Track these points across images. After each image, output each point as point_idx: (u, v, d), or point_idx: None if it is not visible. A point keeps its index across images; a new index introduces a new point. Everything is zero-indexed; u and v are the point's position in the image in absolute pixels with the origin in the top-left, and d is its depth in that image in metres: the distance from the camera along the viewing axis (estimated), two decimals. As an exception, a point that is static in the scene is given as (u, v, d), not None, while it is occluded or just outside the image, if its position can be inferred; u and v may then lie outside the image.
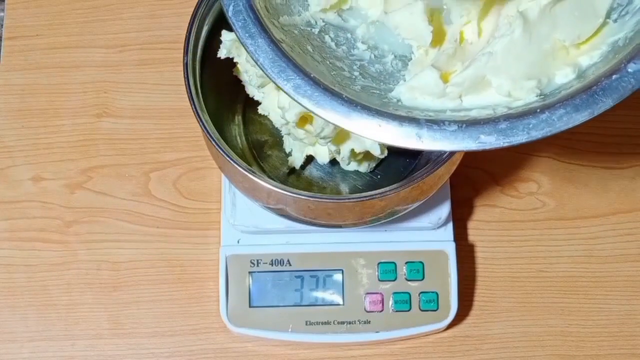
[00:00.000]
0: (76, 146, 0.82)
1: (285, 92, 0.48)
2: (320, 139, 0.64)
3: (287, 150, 0.73)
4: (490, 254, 0.79)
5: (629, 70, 0.47)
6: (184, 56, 0.63)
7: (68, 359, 0.76)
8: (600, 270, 0.79)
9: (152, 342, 0.77)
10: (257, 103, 0.68)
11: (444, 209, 0.74)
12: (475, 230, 0.80)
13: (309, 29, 0.55)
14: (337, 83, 0.50)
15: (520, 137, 0.46)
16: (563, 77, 0.50)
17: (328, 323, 0.73)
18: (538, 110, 0.47)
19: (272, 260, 0.74)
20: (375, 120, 0.48)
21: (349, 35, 0.57)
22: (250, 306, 0.73)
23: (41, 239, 0.79)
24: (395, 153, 0.72)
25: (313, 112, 0.48)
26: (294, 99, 0.48)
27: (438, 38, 0.55)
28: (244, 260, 0.74)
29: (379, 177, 0.73)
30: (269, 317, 0.73)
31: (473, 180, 0.81)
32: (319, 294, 0.74)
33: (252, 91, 0.68)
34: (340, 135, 0.65)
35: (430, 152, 0.70)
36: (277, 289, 0.74)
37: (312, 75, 0.49)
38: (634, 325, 0.78)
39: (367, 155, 0.69)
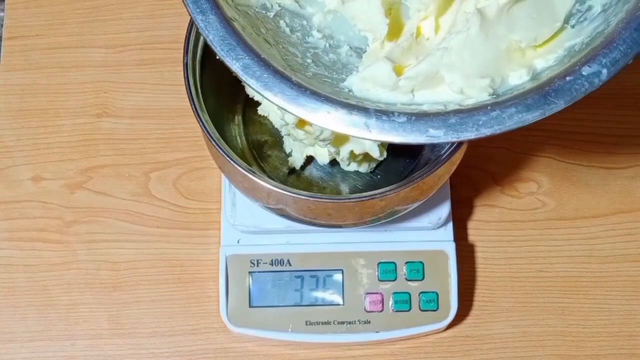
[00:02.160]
0: (76, 146, 0.82)
1: (233, 71, 0.48)
2: (320, 141, 0.64)
3: (287, 151, 0.73)
4: (490, 254, 0.79)
5: (583, 73, 0.47)
6: (184, 56, 0.63)
7: (68, 359, 0.76)
8: (600, 270, 0.79)
9: (152, 342, 0.77)
10: (257, 103, 0.68)
11: (444, 209, 0.74)
12: (475, 230, 0.80)
13: (264, 12, 0.54)
14: (288, 67, 0.49)
15: (469, 133, 0.46)
16: (517, 78, 0.50)
17: (328, 323, 0.73)
18: (489, 108, 0.47)
19: (272, 260, 0.74)
20: (324, 106, 0.47)
21: (304, 22, 0.56)
22: (250, 306, 0.73)
23: (41, 239, 0.79)
24: (395, 153, 0.72)
25: (261, 94, 0.48)
26: (242, 79, 0.47)
27: (394, 31, 0.55)
28: (244, 260, 0.74)
29: (379, 177, 0.73)
30: (269, 317, 0.73)
31: (473, 180, 0.81)
32: (319, 294, 0.74)
33: (252, 92, 0.68)
34: (339, 137, 0.65)
35: (431, 150, 0.71)
36: (277, 289, 0.74)
37: (262, 56, 0.48)
38: (634, 325, 0.78)
39: (367, 156, 0.69)
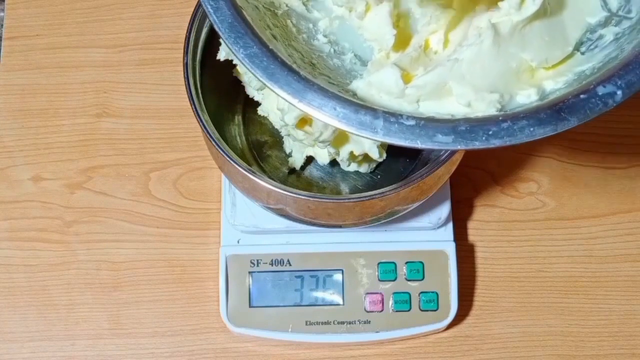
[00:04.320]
0: (76, 146, 0.82)
1: (238, 59, 0.46)
2: (319, 142, 0.64)
3: (287, 151, 0.73)
4: (490, 254, 0.79)
5: (598, 92, 0.46)
6: (184, 56, 0.63)
7: (68, 359, 0.76)
8: (600, 270, 0.79)
9: (152, 342, 0.77)
10: (257, 103, 0.68)
11: (444, 209, 0.74)
12: (475, 230, 0.80)
13: (272, 9, 0.53)
14: (293, 62, 0.48)
15: (478, 143, 0.45)
16: (526, 97, 0.50)
17: (328, 323, 0.73)
18: (500, 119, 0.46)
19: (272, 260, 0.74)
20: (331, 103, 0.45)
21: (310, 25, 0.55)
22: (250, 306, 0.73)
23: (41, 239, 0.79)
24: (395, 154, 0.72)
25: (267, 85, 0.46)
26: (248, 69, 0.46)
27: (401, 42, 0.54)
28: (244, 260, 0.74)
29: (379, 177, 0.73)
30: (269, 317, 0.73)
31: (473, 180, 0.81)
32: (319, 294, 0.74)
33: (251, 92, 0.68)
34: (339, 138, 0.65)
35: (431, 150, 0.71)
36: (277, 289, 0.74)
37: (270, 47, 0.47)
38: (634, 325, 0.78)
39: (366, 157, 0.69)
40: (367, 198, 0.62)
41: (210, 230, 0.79)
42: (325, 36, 0.55)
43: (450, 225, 0.76)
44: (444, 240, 0.75)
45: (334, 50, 0.55)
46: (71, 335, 0.77)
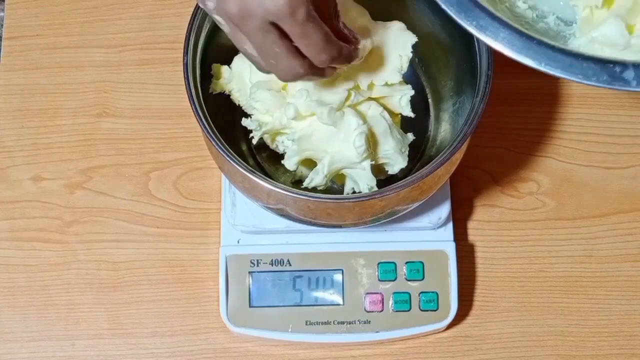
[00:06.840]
0: (76, 146, 0.82)
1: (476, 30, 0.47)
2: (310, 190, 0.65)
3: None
4: (490, 254, 0.79)
5: None
6: (184, 56, 0.63)
7: (68, 359, 0.76)
8: (600, 270, 0.79)
9: (152, 342, 0.77)
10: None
11: (444, 209, 0.74)
12: (475, 230, 0.80)
13: None
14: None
15: None
16: None
17: (328, 323, 0.73)
18: None
19: (272, 260, 0.74)
20: (574, 60, 0.46)
21: None
22: (250, 306, 0.73)
23: (41, 239, 0.79)
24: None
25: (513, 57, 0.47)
26: (496, 45, 0.47)
27: None
28: (244, 260, 0.74)
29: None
30: (269, 317, 0.73)
31: (473, 180, 0.81)
32: (319, 294, 0.74)
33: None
34: (339, 177, 0.66)
35: (430, 151, 0.70)
36: (277, 288, 0.74)
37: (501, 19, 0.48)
38: (634, 325, 0.78)
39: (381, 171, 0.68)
40: (367, 198, 0.62)
41: (210, 230, 0.79)
42: (524, 2, 0.55)
43: (450, 225, 0.76)
44: (444, 240, 0.75)
45: (536, 15, 0.55)
46: (71, 335, 0.77)
